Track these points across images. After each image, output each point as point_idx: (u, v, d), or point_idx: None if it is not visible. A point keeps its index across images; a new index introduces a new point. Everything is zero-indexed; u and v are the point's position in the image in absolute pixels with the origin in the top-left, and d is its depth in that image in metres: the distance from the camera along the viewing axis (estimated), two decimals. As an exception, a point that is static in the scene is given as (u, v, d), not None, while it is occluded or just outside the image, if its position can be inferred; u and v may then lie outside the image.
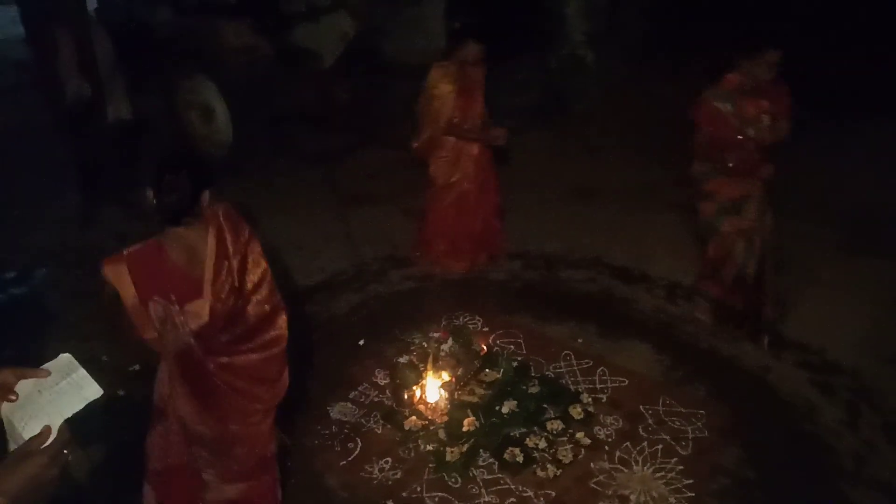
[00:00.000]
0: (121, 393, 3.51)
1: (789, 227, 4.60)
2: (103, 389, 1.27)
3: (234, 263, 2.34)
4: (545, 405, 3.41)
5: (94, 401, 1.26)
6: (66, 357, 1.30)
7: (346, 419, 3.40)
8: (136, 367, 3.79)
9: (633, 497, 2.94)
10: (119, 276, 2.25)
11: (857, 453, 3.14)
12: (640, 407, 3.40)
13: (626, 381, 3.57)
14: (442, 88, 4.24)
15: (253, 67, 6.22)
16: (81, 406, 1.25)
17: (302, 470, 3.15)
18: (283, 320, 2.50)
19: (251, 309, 2.40)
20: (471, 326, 4.03)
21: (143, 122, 5.46)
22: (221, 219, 2.38)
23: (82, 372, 1.29)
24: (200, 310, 2.27)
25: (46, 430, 1.16)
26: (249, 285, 2.39)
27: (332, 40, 6.56)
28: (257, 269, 2.42)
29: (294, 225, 5.38)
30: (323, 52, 6.58)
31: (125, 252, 2.26)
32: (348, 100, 6.91)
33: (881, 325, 3.94)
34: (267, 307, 2.44)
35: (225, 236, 2.36)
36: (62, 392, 1.24)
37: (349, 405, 3.48)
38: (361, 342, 3.95)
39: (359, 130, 6.84)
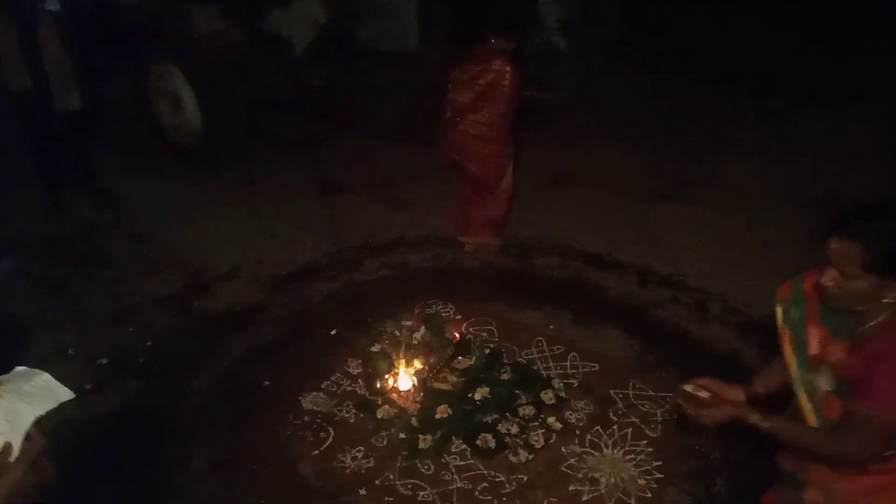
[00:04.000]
0: (88, 387, 3.47)
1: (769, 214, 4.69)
2: (70, 385, 1.24)
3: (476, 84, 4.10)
4: (517, 391, 3.44)
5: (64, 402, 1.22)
6: (21, 368, 1.26)
7: (318, 409, 3.39)
8: (105, 360, 3.75)
9: (603, 479, 2.98)
10: None
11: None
12: (611, 391, 3.43)
13: (597, 366, 3.60)
14: None
15: (224, 54, 6.12)
16: (52, 406, 1.21)
17: (275, 459, 3.14)
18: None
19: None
20: (443, 314, 4.02)
21: (95, 111, 5.33)
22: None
23: (46, 376, 1.26)
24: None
25: (7, 447, 1.12)
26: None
27: (303, 27, 6.46)
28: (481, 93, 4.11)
29: (268, 213, 5.35)
30: (294, 38, 6.49)
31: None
32: (322, 86, 6.83)
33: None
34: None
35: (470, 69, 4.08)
36: (28, 395, 1.20)
37: (322, 395, 3.47)
38: (333, 332, 3.93)
39: (334, 117, 6.79)
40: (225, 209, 5.43)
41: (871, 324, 1.71)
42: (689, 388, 2.02)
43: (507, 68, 4.02)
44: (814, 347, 1.84)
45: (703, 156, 5.96)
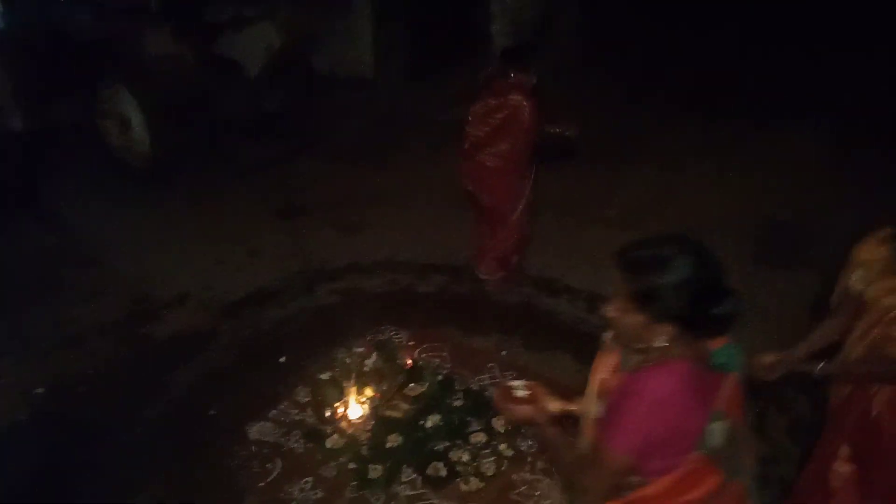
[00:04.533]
0: (22, 417, 3.33)
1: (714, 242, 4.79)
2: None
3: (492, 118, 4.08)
4: (469, 418, 3.42)
5: None
6: None
7: (265, 439, 3.31)
8: (41, 389, 3.62)
9: (553, 507, 2.98)
10: None
11: (765, 455, 3.26)
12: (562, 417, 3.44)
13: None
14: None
15: (175, 77, 6.06)
16: None
17: (221, 492, 3.06)
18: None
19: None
20: (396, 340, 4.00)
21: (41, 133, 5.21)
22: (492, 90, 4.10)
23: None
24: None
25: None
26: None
27: (257, 51, 6.46)
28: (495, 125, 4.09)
29: (218, 237, 5.27)
30: (247, 62, 6.47)
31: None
32: (277, 110, 6.81)
33: (799, 331, 4.11)
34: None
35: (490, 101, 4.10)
36: None
37: (269, 424, 3.39)
38: (283, 359, 3.87)
39: (289, 141, 6.77)
40: (174, 233, 5.33)
41: (645, 366, 1.66)
42: (513, 383, 2.00)
43: (525, 103, 3.98)
44: (606, 373, 1.82)
45: (652, 181, 6.11)
